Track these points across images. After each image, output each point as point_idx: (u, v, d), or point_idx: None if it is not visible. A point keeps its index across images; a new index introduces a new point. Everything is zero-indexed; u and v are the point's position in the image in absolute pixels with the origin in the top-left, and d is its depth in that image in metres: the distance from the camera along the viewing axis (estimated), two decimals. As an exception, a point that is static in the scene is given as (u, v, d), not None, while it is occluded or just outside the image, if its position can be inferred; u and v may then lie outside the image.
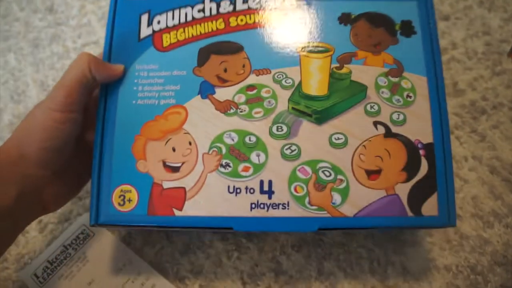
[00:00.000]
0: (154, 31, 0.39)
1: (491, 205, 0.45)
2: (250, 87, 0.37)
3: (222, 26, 0.39)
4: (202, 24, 0.39)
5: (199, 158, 0.35)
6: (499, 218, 0.45)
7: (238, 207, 0.34)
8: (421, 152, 0.35)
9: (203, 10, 0.39)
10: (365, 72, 0.37)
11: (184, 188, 0.35)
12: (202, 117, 0.36)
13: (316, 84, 0.37)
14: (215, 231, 0.44)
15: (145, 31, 0.39)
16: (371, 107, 0.36)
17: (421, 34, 0.38)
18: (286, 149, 0.35)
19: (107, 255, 0.44)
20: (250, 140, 0.36)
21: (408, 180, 0.34)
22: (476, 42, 0.55)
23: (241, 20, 0.39)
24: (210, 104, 0.37)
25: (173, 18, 0.39)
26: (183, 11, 0.40)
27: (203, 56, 0.38)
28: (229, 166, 0.35)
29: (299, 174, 0.35)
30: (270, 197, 0.34)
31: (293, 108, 0.36)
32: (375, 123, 0.36)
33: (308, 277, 0.43)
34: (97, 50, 0.55)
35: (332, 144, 0.35)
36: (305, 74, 0.37)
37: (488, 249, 0.43)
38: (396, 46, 0.38)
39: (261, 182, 0.35)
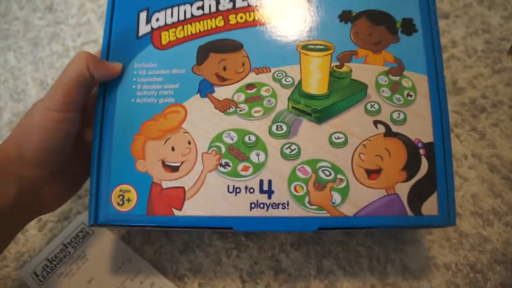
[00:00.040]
0: (152, 29, 0.38)
1: (490, 203, 0.45)
2: (250, 85, 0.36)
3: (221, 23, 0.38)
4: (201, 22, 0.38)
5: (199, 157, 0.35)
6: (498, 216, 0.44)
7: (238, 207, 0.34)
8: (421, 151, 0.34)
9: (202, 8, 0.38)
10: (366, 70, 0.36)
11: (183, 187, 0.34)
12: (201, 116, 0.36)
13: (316, 82, 0.36)
14: (214, 230, 0.44)
15: (143, 28, 0.38)
16: (372, 106, 0.35)
17: (422, 32, 0.37)
18: (286, 149, 0.34)
19: (107, 253, 0.44)
20: (249, 139, 0.35)
21: (408, 179, 0.34)
22: (476, 40, 0.54)
23: (241, 17, 0.38)
24: (210, 103, 0.36)
25: (172, 15, 0.39)
26: (182, 8, 0.39)
27: (202, 54, 0.37)
28: (229, 166, 0.34)
29: (299, 173, 0.34)
30: (269, 197, 0.34)
31: (293, 107, 0.35)
32: (375, 122, 0.35)
33: (307, 275, 0.42)
34: (97, 48, 0.54)
35: (332, 143, 0.34)
36: (305, 73, 0.36)
37: (488, 247, 0.43)
38: (397, 44, 0.37)
39: (261, 182, 0.34)
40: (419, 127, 0.35)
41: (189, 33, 0.38)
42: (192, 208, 0.34)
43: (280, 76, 0.36)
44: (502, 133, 0.48)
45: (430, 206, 0.33)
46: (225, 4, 0.38)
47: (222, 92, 0.36)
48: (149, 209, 0.34)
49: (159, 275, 0.42)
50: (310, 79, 0.36)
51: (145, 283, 0.42)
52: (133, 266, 0.43)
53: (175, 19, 0.38)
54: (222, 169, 0.34)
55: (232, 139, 0.35)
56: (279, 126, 0.35)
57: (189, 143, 0.35)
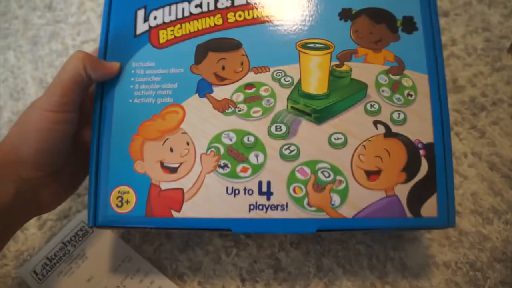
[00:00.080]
0: (150, 27, 0.37)
1: (490, 201, 0.44)
2: (249, 85, 0.35)
3: (220, 22, 0.37)
4: (200, 20, 0.37)
5: (197, 158, 0.34)
6: (498, 215, 0.43)
7: (237, 209, 0.33)
8: (421, 152, 0.33)
9: (200, 6, 0.37)
10: (366, 70, 0.35)
11: (182, 189, 0.33)
12: (200, 116, 0.35)
13: (315, 82, 0.35)
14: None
15: (141, 27, 0.37)
16: (371, 106, 0.34)
17: (423, 30, 0.36)
18: (285, 149, 0.33)
19: (106, 252, 0.43)
20: (248, 140, 0.34)
21: (407, 180, 0.33)
22: (475, 38, 0.53)
23: (239, 15, 0.37)
24: (208, 103, 0.35)
25: (169, 13, 0.37)
26: (180, 6, 0.37)
27: (201, 53, 0.36)
28: (228, 167, 0.33)
29: (298, 174, 0.33)
30: (268, 198, 0.33)
31: (292, 107, 0.34)
32: (375, 123, 0.34)
33: (307, 274, 0.42)
34: (96, 47, 0.54)
35: (331, 144, 0.33)
36: (305, 72, 0.35)
37: (488, 245, 0.42)
38: (397, 43, 0.36)
39: (260, 183, 0.33)
40: (419, 127, 0.34)
41: (187, 32, 0.37)
42: (191, 210, 0.33)
43: (279, 75, 0.35)
44: (502, 131, 0.47)
45: (429, 208, 0.32)
46: (223, 2, 0.37)
47: (220, 92, 0.35)
48: (148, 211, 0.33)
49: (158, 274, 0.42)
50: (309, 79, 0.35)
51: (145, 282, 0.41)
52: (132, 265, 0.42)
53: (173, 17, 0.37)
54: (221, 170, 0.33)
55: (231, 140, 0.34)
56: (278, 127, 0.34)
57: (188, 144, 0.34)
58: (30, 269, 0.42)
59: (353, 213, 0.32)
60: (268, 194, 0.33)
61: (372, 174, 0.33)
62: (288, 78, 0.35)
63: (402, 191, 0.33)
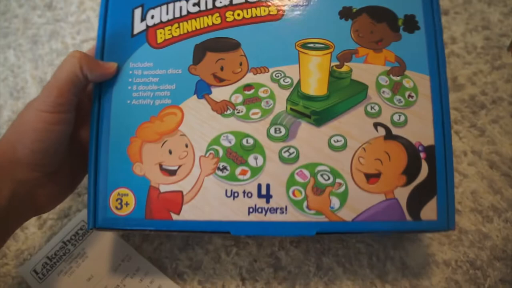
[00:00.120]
0: (148, 27, 0.36)
1: (490, 199, 0.43)
2: (248, 86, 0.34)
3: (218, 21, 0.35)
4: (198, 19, 0.36)
5: (196, 161, 0.33)
6: (498, 213, 0.43)
7: (236, 212, 0.32)
8: (422, 155, 0.32)
9: (198, 4, 0.36)
10: (366, 70, 0.34)
11: (181, 192, 0.32)
12: (198, 118, 0.33)
13: (315, 83, 0.34)
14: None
15: (138, 26, 0.36)
16: (372, 108, 0.33)
17: (425, 29, 0.34)
18: (284, 152, 0.32)
19: (106, 251, 0.42)
20: (247, 142, 0.33)
21: (407, 183, 0.32)
22: (475, 37, 0.52)
23: (238, 14, 0.36)
24: (207, 105, 0.34)
25: (167, 12, 0.36)
26: (177, 5, 0.36)
27: (199, 53, 0.35)
28: (226, 170, 0.32)
29: (297, 177, 0.32)
30: (268, 201, 0.32)
31: (291, 109, 0.33)
32: (376, 125, 0.33)
33: (307, 273, 0.41)
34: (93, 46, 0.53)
35: (331, 147, 0.32)
36: (304, 73, 0.34)
37: (488, 243, 0.41)
38: (398, 42, 0.34)
39: (259, 186, 0.32)
40: (420, 129, 0.32)
41: (185, 31, 0.36)
42: (190, 213, 0.32)
43: (278, 76, 0.34)
44: (502, 129, 0.46)
45: (429, 211, 0.32)
46: (222, 1, 0.36)
47: (219, 93, 0.34)
48: (147, 213, 0.33)
49: (158, 273, 0.41)
50: (309, 79, 0.34)
51: (145, 281, 0.41)
52: (132, 264, 0.42)
53: (170, 16, 0.36)
54: (220, 173, 0.32)
55: (230, 142, 0.33)
56: (277, 129, 0.33)
57: (187, 146, 0.33)
58: (30, 268, 0.41)
59: (352, 216, 0.31)
60: (268, 197, 0.32)
61: (371, 177, 0.32)
62: (288, 79, 0.34)
63: (402, 194, 0.32)
